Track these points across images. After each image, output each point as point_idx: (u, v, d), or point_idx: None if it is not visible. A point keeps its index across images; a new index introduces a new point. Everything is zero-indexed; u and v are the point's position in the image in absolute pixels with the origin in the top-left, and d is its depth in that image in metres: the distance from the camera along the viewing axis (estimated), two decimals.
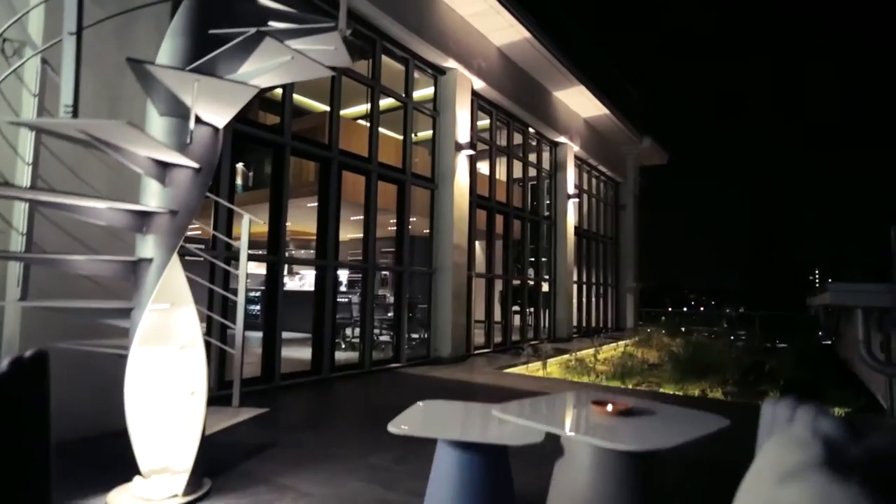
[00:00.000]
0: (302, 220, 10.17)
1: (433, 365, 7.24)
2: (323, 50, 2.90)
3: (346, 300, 8.78)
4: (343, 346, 8.37)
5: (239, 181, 12.15)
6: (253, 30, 2.27)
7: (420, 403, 2.85)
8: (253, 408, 3.45)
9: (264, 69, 2.62)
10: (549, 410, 2.38)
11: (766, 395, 6.64)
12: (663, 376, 7.47)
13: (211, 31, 2.66)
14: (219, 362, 4.78)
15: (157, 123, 2.61)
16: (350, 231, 10.49)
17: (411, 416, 2.53)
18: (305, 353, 6.13)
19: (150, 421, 2.68)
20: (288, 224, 12.77)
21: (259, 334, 5.47)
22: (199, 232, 6.44)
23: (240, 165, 12.11)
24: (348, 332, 8.65)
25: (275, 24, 3.06)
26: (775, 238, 37.91)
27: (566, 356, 9.34)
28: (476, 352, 8.63)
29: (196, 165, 2.60)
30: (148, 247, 2.57)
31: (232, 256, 5.11)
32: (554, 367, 8.31)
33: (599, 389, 5.95)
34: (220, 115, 2.60)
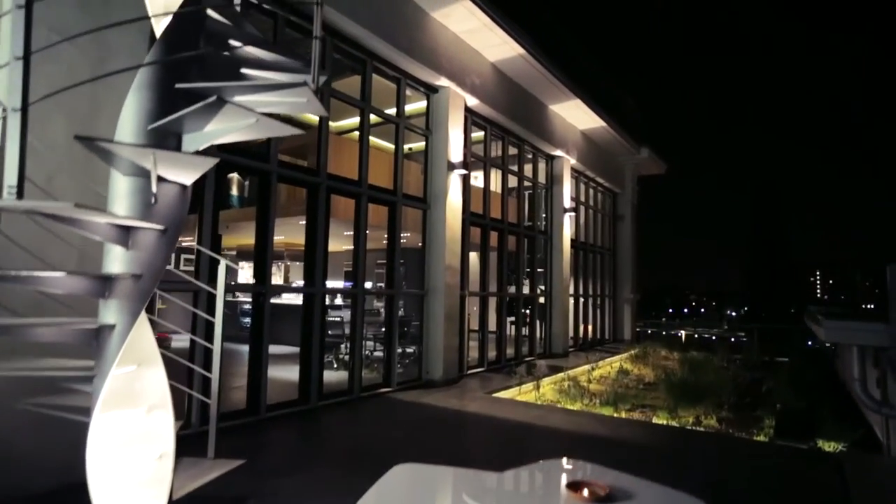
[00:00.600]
0: (295, 234, 10.08)
1: (425, 389, 7.14)
2: (295, 102, 2.80)
3: (338, 318, 8.70)
4: (335, 365, 8.28)
5: (234, 192, 12.04)
6: (213, 98, 2.17)
7: (396, 469, 2.75)
8: (228, 459, 3.34)
9: (230, 129, 2.53)
10: (522, 494, 2.28)
11: (761, 423, 6.54)
12: (657, 401, 7.37)
13: (177, 86, 2.57)
14: (202, 387, 4.65)
15: (121, 181, 2.51)
16: (347, 242, 10.44)
17: (384, 492, 2.43)
18: (294, 372, 6.01)
19: (113, 488, 2.58)
20: (281, 237, 12.69)
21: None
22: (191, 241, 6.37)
23: (235, 175, 11.96)
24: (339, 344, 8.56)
25: (248, 72, 2.97)
26: (776, 238, 37.79)
27: (561, 375, 9.24)
28: (470, 371, 8.53)
29: (161, 227, 2.50)
30: (110, 312, 2.46)
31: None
32: (548, 388, 8.21)
33: (590, 420, 5.85)
34: (184, 177, 2.51)
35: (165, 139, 2.54)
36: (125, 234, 2.44)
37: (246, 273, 15.70)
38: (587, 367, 9.94)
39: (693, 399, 6.94)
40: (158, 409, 2.73)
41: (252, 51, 3.20)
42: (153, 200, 2.47)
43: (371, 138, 6.78)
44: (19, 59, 2.02)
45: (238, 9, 3.27)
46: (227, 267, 3.49)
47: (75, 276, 2.32)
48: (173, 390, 2.70)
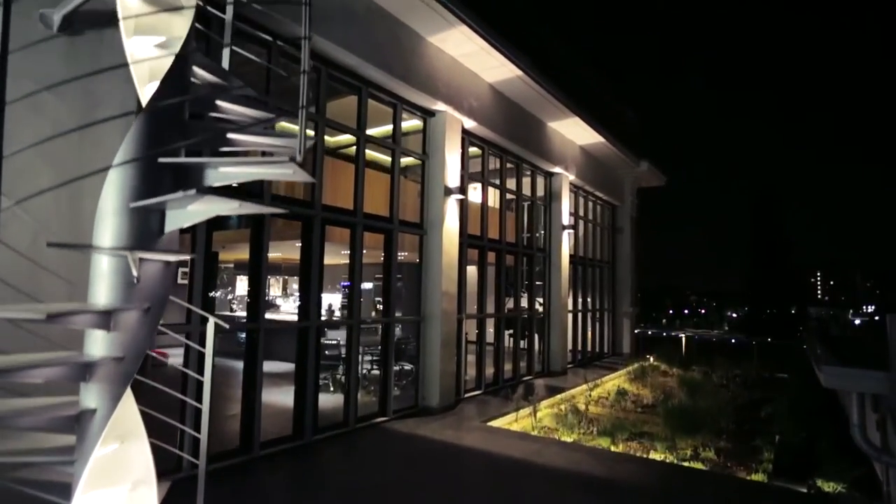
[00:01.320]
0: (291, 252, 10.02)
1: (421, 417, 7.08)
2: (282, 173, 2.75)
3: (334, 342, 8.64)
4: (331, 388, 8.22)
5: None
6: (192, 191, 2.12)
7: None
8: None
9: (214, 210, 2.48)
10: None
11: (760, 454, 6.48)
12: (656, 427, 7.30)
13: (161, 161, 2.52)
14: (194, 423, 4.57)
15: (103, 261, 2.45)
16: (344, 257, 10.37)
17: None
18: (288, 395, 5.97)
19: None
20: (278, 254, 12.57)
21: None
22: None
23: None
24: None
25: (235, 137, 2.91)
26: (777, 241, 37.69)
27: (559, 397, 9.19)
28: (467, 394, 8.48)
29: (146, 306, 2.45)
30: (91, 396, 2.40)
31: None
32: (546, 412, 8.15)
33: (587, 456, 5.79)
34: (166, 258, 2.45)
35: (149, 216, 2.48)
36: (106, 318, 2.39)
37: (244, 284, 15.70)
38: (585, 386, 9.88)
39: (691, 428, 6.88)
40: (143, 485, 2.68)
41: (239, 110, 3.16)
42: (136, 280, 2.42)
43: (367, 151, 6.72)
44: None
45: (227, 63, 3.22)
46: (216, 324, 3.43)
47: (54, 365, 2.26)
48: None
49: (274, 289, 16.18)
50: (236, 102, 3.10)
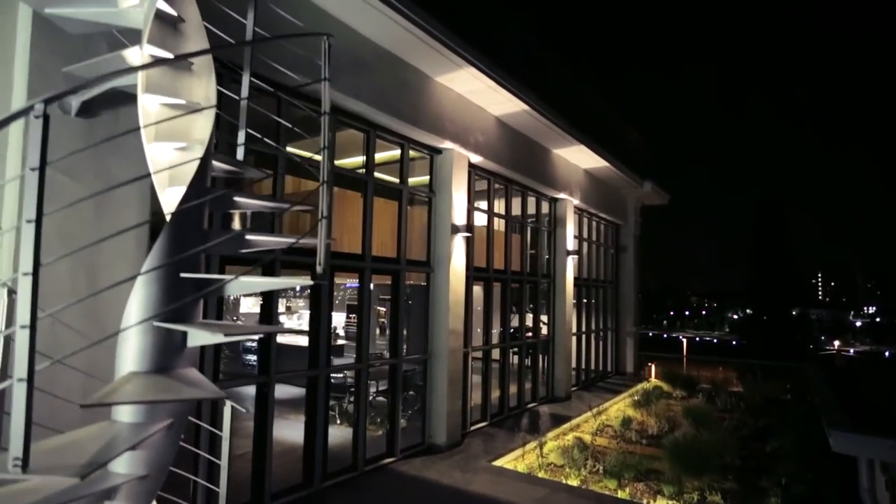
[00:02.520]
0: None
1: (428, 456, 7.11)
2: (301, 282, 2.78)
3: (341, 376, 8.65)
4: (338, 420, 8.24)
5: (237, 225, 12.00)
6: (220, 335, 2.14)
7: None
8: None
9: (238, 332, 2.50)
10: None
11: (767, 497, 6.51)
12: (663, 463, 7.32)
13: (182, 276, 2.55)
14: (207, 474, 4.60)
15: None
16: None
17: None
18: (297, 428, 6.05)
19: None
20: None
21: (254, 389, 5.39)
22: None
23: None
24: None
25: (252, 238, 2.93)
26: (778, 245, 37.70)
27: (565, 426, 9.23)
28: (473, 428, 8.51)
29: (169, 421, 2.48)
30: None
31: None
32: (552, 445, 8.16)
33: (595, 503, 5.82)
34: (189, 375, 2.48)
35: (172, 333, 2.51)
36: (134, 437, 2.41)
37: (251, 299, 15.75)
38: (590, 414, 9.92)
39: (697, 467, 6.90)
40: None
41: (257, 203, 3.19)
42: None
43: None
44: (31, 222, 1.86)
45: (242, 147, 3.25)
46: (233, 408, 3.46)
47: (79, 499, 2.28)
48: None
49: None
50: (252, 197, 3.14)
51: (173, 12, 2.76)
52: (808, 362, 14.54)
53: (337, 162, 8.86)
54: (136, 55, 2.79)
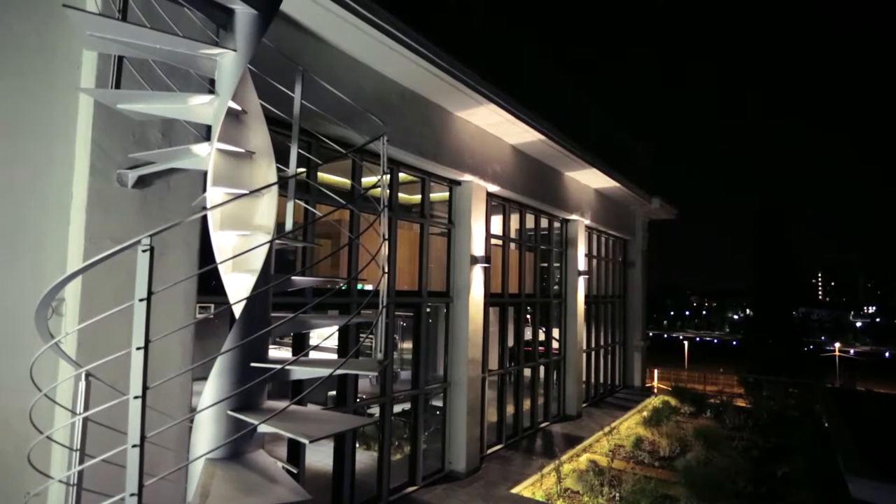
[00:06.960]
0: None
1: (448, 484, 7.28)
2: (365, 373, 2.93)
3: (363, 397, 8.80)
4: (357, 443, 8.38)
5: None
6: (284, 407, 2.29)
7: None
8: None
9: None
10: None
11: None
12: (677, 488, 7.49)
13: (252, 365, 2.71)
14: None
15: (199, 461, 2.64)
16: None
17: None
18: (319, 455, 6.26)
19: None
20: None
21: None
22: None
23: None
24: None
25: (312, 321, 3.09)
26: (779, 251, 37.83)
27: (578, 448, 9.40)
28: (490, 451, 8.66)
29: None
30: None
31: None
32: (567, 469, 8.32)
33: None
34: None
35: (241, 425, 2.66)
36: None
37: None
38: (602, 433, 10.09)
39: (711, 493, 7.07)
40: None
41: (310, 281, 3.33)
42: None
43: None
44: (140, 349, 2.05)
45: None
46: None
47: None
48: None
49: None
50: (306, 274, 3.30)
51: (238, 108, 2.90)
52: (812, 379, 14.68)
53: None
54: (204, 150, 2.93)
